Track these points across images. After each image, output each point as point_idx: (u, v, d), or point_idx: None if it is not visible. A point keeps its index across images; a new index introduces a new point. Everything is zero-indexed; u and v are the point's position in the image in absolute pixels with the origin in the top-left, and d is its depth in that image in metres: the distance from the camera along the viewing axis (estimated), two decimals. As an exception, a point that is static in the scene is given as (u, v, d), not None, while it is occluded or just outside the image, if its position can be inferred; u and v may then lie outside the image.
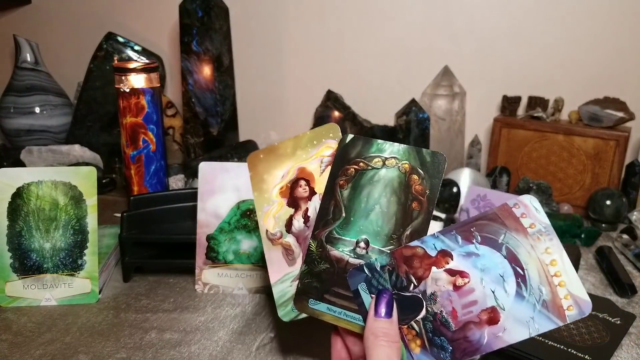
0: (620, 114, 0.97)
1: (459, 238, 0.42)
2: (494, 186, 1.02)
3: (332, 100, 1.17)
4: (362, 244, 0.45)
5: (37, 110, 1.19)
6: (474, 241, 0.41)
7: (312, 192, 0.49)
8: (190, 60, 1.08)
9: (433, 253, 0.42)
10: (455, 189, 0.95)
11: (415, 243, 0.43)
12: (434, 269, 0.42)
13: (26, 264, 0.67)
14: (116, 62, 1.12)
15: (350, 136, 0.48)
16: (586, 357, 0.54)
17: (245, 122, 1.27)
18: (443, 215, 0.94)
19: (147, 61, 1.11)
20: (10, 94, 1.20)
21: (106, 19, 1.32)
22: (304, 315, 0.47)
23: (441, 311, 0.42)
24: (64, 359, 0.57)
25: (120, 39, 1.20)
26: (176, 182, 1.06)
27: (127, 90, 0.89)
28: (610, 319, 0.62)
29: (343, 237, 0.46)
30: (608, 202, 0.92)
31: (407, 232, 0.44)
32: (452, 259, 0.42)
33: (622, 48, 1.04)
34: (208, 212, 0.70)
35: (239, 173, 0.70)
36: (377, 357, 0.39)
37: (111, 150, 1.19)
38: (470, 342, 0.41)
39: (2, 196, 0.66)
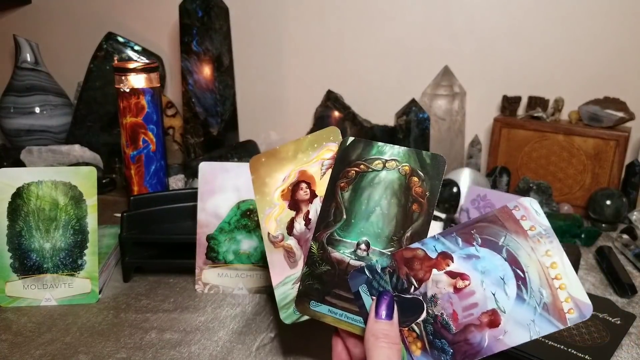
0: (620, 114, 0.97)
1: (460, 240, 0.42)
2: (494, 186, 1.02)
3: (332, 100, 1.17)
4: (362, 246, 0.46)
5: (37, 110, 1.19)
6: (475, 243, 0.41)
7: (313, 195, 0.49)
8: (190, 60, 1.08)
9: (433, 255, 0.42)
10: (455, 189, 0.95)
11: (415, 245, 0.43)
12: (434, 271, 0.42)
13: (26, 264, 0.67)
14: (116, 62, 1.12)
15: (350, 139, 0.48)
16: (586, 357, 0.54)
17: (245, 122, 1.27)
18: (443, 216, 0.94)
19: (147, 61, 1.11)
20: (10, 94, 1.20)
21: (106, 19, 1.32)
22: (305, 317, 0.47)
23: (442, 313, 0.42)
24: (64, 359, 0.57)
25: (120, 39, 1.20)
26: (176, 182, 1.06)
27: (127, 90, 0.89)
28: (610, 319, 0.62)
29: (344, 239, 0.46)
30: (608, 202, 0.92)
31: (408, 234, 0.44)
32: (453, 261, 0.42)
33: (622, 48, 1.04)
34: (208, 212, 0.70)
35: (239, 173, 0.70)
36: (378, 358, 0.39)
37: (111, 150, 1.19)
38: (471, 345, 0.41)
39: (2, 196, 0.66)
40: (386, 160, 0.46)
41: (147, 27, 1.31)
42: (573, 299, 0.39)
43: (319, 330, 0.48)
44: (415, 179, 0.45)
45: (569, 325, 0.39)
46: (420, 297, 0.42)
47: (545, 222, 0.40)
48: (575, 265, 0.77)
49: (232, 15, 1.12)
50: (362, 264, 0.45)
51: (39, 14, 1.39)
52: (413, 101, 1.03)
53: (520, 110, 1.09)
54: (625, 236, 0.87)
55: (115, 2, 1.32)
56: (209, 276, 0.71)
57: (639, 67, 1.04)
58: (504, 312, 0.40)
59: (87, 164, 1.12)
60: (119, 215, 0.83)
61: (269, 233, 0.50)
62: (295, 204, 0.49)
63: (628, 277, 0.74)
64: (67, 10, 1.37)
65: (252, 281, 0.71)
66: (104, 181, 1.10)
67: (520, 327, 0.39)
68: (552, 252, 0.40)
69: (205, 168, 0.70)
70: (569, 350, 0.55)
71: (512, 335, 0.40)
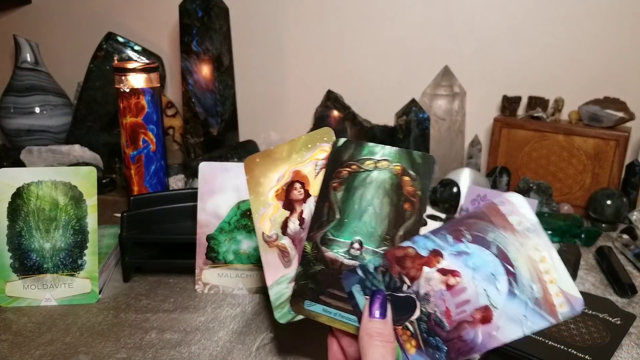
0: (620, 114, 0.97)
1: (449, 237, 0.42)
2: (494, 186, 1.02)
3: (332, 100, 1.17)
4: (356, 245, 0.46)
5: (37, 110, 1.19)
6: (464, 240, 0.41)
7: (307, 195, 0.49)
8: (190, 60, 1.08)
9: (424, 253, 0.42)
10: (455, 189, 0.95)
11: (406, 243, 0.43)
12: (426, 268, 0.42)
13: (26, 264, 0.67)
14: (116, 62, 1.12)
15: (342, 140, 0.48)
16: (586, 357, 0.54)
17: (245, 122, 1.27)
18: (443, 215, 0.94)
19: (147, 61, 1.11)
20: (10, 94, 1.20)
21: (106, 19, 1.32)
22: (300, 317, 0.48)
23: (435, 311, 0.42)
24: (64, 359, 0.57)
25: (120, 39, 1.20)
26: (176, 182, 1.06)
27: (127, 90, 0.89)
28: (610, 319, 0.62)
29: (337, 239, 0.46)
30: (608, 202, 0.92)
31: (400, 233, 0.45)
32: (443, 258, 0.42)
33: (622, 48, 1.04)
34: (208, 212, 0.70)
35: (239, 173, 0.70)
36: (372, 357, 0.39)
37: (111, 150, 1.19)
38: (464, 342, 0.41)
39: (2, 196, 0.66)
40: (378, 160, 0.47)
41: (147, 27, 1.31)
42: (564, 293, 0.39)
43: (318, 330, 0.49)
44: (407, 178, 0.46)
45: (561, 320, 0.39)
46: (413, 295, 0.42)
47: (533, 217, 0.40)
48: (575, 265, 0.77)
49: (232, 15, 1.12)
50: (356, 263, 0.45)
51: (39, 14, 1.39)
52: (413, 101, 1.03)
53: (520, 110, 1.09)
54: (625, 236, 0.87)
55: (115, 2, 1.32)
56: (209, 276, 0.71)
57: (639, 67, 1.04)
58: (496, 308, 0.40)
59: (87, 164, 1.12)
60: (119, 215, 0.83)
61: (263, 233, 0.50)
62: (289, 204, 0.50)
63: (628, 277, 0.74)
64: (67, 10, 1.37)
65: (252, 281, 0.71)
66: (104, 181, 1.10)
67: (513, 322, 0.39)
68: (540, 246, 0.40)
69: (205, 168, 0.70)
70: (569, 350, 0.55)
71: (505, 331, 0.40)
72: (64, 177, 0.67)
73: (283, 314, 0.48)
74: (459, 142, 1.11)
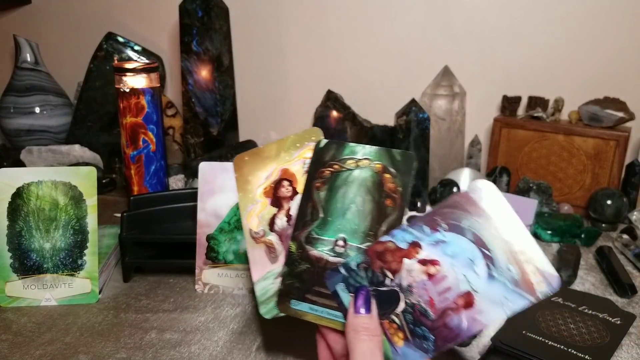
0: (620, 114, 0.97)
1: (426, 228, 0.43)
2: (494, 186, 1.02)
3: (332, 100, 1.17)
4: (340, 243, 0.47)
5: (37, 110, 1.19)
6: (440, 229, 0.43)
7: (295, 192, 0.50)
8: (190, 60, 1.08)
9: (404, 245, 0.44)
10: (455, 189, 0.95)
11: (385, 238, 0.44)
12: (406, 260, 0.43)
13: (26, 264, 0.67)
14: (116, 62, 1.12)
15: (324, 141, 0.49)
16: (586, 357, 0.54)
17: (245, 122, 1.27)
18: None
19: (147, 61, 1.11)
20: (10, 94, 1.20)
21: (106, 19, 1.32)
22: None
23: (419, 301, 0.43)
24: (64, 359, 0.57)
25: (120, 39, 1.20)
26: (176, 182, 1.06)
27: (127, 90, 0.89)
28: (610, 319, 0.62)
29: (322, 237, 0.47)
30: (608, 202, 0.92)
31: (383, 228, 0.46)
32: (422, 249, 0.43)
33: (622, 48, 1.04)
34: (208, 212, 0.70)
35: (239, 173, 0.70)
36: (359, 351, 0.40)
37: (111, 150, 1.19)
38: (450, 329, 0.42)
39: (2, 196, 0.66)
40: (359, 160, 0.48)
41: (147, 27, 1.31)
42: (540, 271, 0.40)
43: (317, 329, 0.49)
44: (388, 175, 0.47)
45: (540, 297, 0.40)
46: (397, 288, 0.43)
47: (504, 202, 0.42)
48: (575, 265, 0.77)
49: (232, 15, 1.12)
50: (341, 260, 0.46)
51: (39, 14, 1.39)
52: (413, 101, 1.03)
53: (520, 110, 1.09)
54: (625, 236, 0.87)
55: (115, 2, 1.32)
56: (209, 276, 0.71)
57: (639, 67, 1.04)
58: (477, 292, 0.41)
59: (87, 164, 1.12)
60: (119, 215, 0.83)
61: (250, 229, 0.51)
62: (277, 201, 0.51)
63: (628, 277, 0.74)
64: (67, 10, 1.37)
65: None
66: (104, 181, 1.10)
67: (495, 304, 0.41)
68: (513, 229, 0.41)
69: (205, 168, 0.70)
70: (569, 350, 0.55)
71: (487, 313, 0.41)
72: (64, 177, 0.67)
73: (268, 310, 0.49)
74: (459, 142, 1.11)
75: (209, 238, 0.70)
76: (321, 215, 0.48)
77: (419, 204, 0.96)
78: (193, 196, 0.74)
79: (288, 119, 1.29)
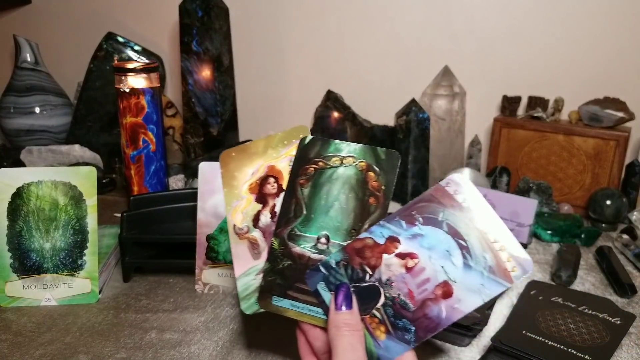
0: (620, 114, 0.97)
1: (403, 222, 0.44)
2: (494, 186, 1.02)
3: (332, 100, 1.17)
4: (323, 240, 0.47)
5: (37, 110, 1.19)
6: (417, 223, 0.44)
7: (280, 189, 0.51)
8: (190, 60, 1.08)
9: (381, 241, 0.44)
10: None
11: (364, 235, 0.45)
12: (385, 255, 0.44)
13: (26, 264, 0.67)
14: (116, 62, 1.12)
15: (308, 137, 0.50)
16: (586, 357, 0.54)
17: (245, 122, 1.27)
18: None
19: (147, 61, 1.11)
20: (10, 94, 1.20)
21: (106, 19, 1.32)
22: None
23: (398, 294, 0.44)
24: (64, 359, 0.57)
25: (120, 39, 1.20)
26: (176, 182, 1.06)
27: (127, 90, 0.89)
28: (610, 319, 0.62)
29: (304, 234, 0.48)
30: (608, 202, 0.92)
31: (366, 226, 0.46)
32: (400, 243, 0.44)
33: (622, 48, 1.04)
34: (208, 212, 0.70)
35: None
36: (341, 347, 0.40)
37: (111, 150, 1.19)
38: (430, 319, 0.43)
39: (2, 196, 0.66)
40: (343, 157, 0.48)
41: (147, 27, 1.31)
42: (514, 257, 0.42)
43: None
44: (371, 173, 0.47)
45: (515, 282, 0.41)
46: (376, 283, 0.44)
47: (477, 193, 0.43)
48: (575, 265, 0.77)
49: (232, 15, 1.12)
50: (323, 257, 0.46)
51: (39, 14, 1.39)
52: (413, 101, 1.03)
53: (520, 110, 1.09)
54: (625, 236, 0.87)
55: (115, 2, 1.32)
56: (209, 276, 0.71)
57: (639, 67, 1.04)
58: (455, 282, 0.42)
59: (87, 164, 1.12)
60: (119, 215, 0.83)
61: (234, 225, 0.51)
62: (262, 198, 0.51)
63: (628, 277, 0.74)
64: (67, 10, 1.37)
65: (252, 281, 0.71)
66: (104, 181, 1.10)
67: (472, 292, 0.42)
68: (487, 219, 0.42)
69: (205, 168, 0.70)
70: (569, 350, 0.55)
71: (465, 302, 0.42)
72: (64, 177, 0.67)
73: (249, 305, 0.49)
74: (459, 142, 1.11)
75: (209, 238, 0.70)
76: (304, 212, 0.48)
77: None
78: (193, 196, 0.74)
79: (288, 119, 1.29)
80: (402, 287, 0.43)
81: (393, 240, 0.44)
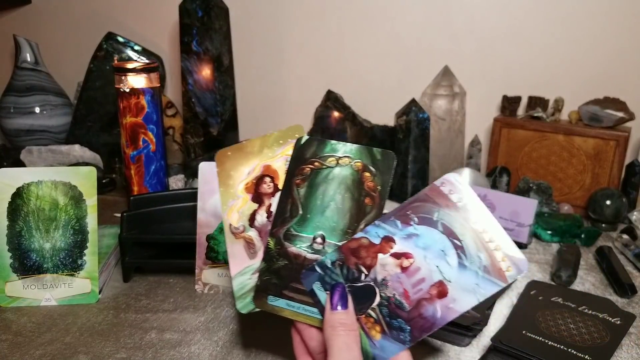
0: (620, 114, 0.97)
1: (398, 222, 0.44)
2: (494, 186, 1.02)
3: (332, 100, 1.17)
4: (318, 240, 0.47)
5: (37, 110, 1.19)
6: (412, 223, 0.44)
7: (276, 189, 0.51)
8: (190, 60, 1.08)
9: (377, 241, 0.45)
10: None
11: (359, 235, 0.45)
12: (380, 255, 0.44)
13: (26, 264, 0.67)
14: (116, 62, 1.12)
15: (305, 138, 0.50)
16: (586, 357, 0.54)
17: (245, 122, 1.27)
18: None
19: (147, 61, 1.11)
20: (10, 94, 1.20)
21: (106, 19, 1.32)
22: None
23: (394, 294, 0.44)
24: (64, 359, 0.57)
25: (120, 39, 1.20)
26: (176, 182, 1.06)
27: (127, 90, 0.89)
28: (610, 319, 0.62)
29: (300, 234, 0.48)
30: (608, 202, 0.92)
31: (361, 227, 0.46)
32: (395, 243, 0.44)
33: (622, 48, 1.04)
34: (208, 212, 0.70)
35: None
36: (336, 346, 0.40)
37: (111, 150, 1.19)
38: (425, 319, 0.43)
39: (2, 196, 0.66)
40: (339, 157, 0.49)
41: (147, 27, 1.31)
42: (509, 257, 0.42)
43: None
44: (367, 174, 0.48)
45: (510, 282, 0.41)
46: (372, 283, 0.44)
47: (471, 193, 0.43)
48: (575, 265, 0.77)
49: (232, 15, 1.12)
50: (319, 257, 0.46)
51: (39, 14, 1.39)
52: (413, 101, 1.03)
53: (520, 110, 1.09)
54: (625, 236, 0.87)
55: (115, 2, 1.32)
56: (209, 276, 0.71)
57: (639, 67, 1.04)
58: (450, 282, 0.43)
59: (87, 164, 1.12)
60: (119, 215, 0.83)
61: (230, 224, 0.51)
62: (258, 197, 0.51)
63: (628, 277, 0.74)
64: (67, 10, 1.37)
65: (252, 281, 0.71)
66: (104, 181, 1.10)
67: (467, 292, 0.42)
68: (481, 218, 0.42)
69: (205, 168, 0.70)
70: (569, 350, 0.55)
71: (460, 301, 0.42)
72: (64, 177, 0.67)
73: (245, 305, 0.49)
74: (459, 142, 1.11)
75: (209, 238, 0.70)
76: (300, 212, 0.48)
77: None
78: (193, 196, 0.74)
79: (288, 119, 1.29)
80: (397, 287, 0.44)
81: (388, 240, 0.44)
